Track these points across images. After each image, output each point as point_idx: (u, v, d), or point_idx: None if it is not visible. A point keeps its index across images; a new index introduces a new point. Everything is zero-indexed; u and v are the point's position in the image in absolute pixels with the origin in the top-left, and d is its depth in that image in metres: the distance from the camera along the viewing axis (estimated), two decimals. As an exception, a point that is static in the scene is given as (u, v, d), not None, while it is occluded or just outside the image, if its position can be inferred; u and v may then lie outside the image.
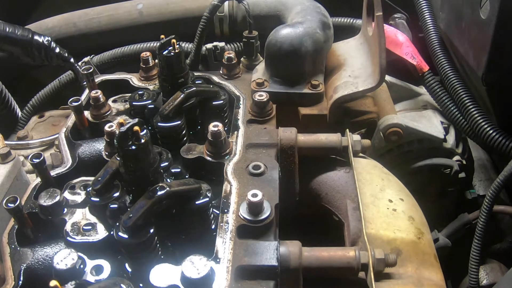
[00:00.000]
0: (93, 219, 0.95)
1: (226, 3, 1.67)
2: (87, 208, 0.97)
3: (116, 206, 0.92)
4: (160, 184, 0.87)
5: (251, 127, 1.16)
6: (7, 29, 1.58)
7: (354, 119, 1.48)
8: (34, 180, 1.06)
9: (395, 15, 1.78)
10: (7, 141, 1.45)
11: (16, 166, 1.21)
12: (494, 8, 1.16)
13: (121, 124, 0.88)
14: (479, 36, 1.25)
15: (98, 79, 1.35)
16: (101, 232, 0.92)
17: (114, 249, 0.90)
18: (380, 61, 1.21)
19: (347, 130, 1.13)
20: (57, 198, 0.95)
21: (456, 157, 1.57)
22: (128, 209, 0.87)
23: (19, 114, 1.83)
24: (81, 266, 0.85)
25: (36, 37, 1.61)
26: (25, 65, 1.71)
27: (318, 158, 1.16)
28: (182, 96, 1.11)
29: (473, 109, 1.40)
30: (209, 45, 1.70)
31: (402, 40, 1.58)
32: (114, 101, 1.28)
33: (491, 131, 1.36)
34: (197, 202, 0.92)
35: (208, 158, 1.06)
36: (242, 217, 0.92)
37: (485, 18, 1.20)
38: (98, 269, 0.86)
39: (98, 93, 1.22)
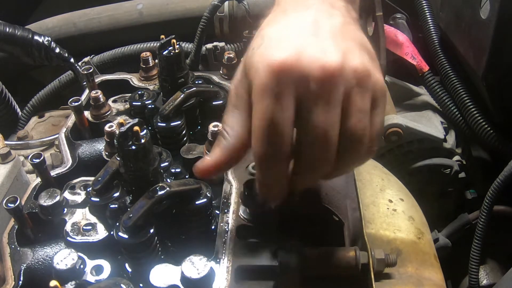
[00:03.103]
0: (93, 219, 0.95)
1: (226, 3, 1.67)
2: (87, 208, 0.97)
3: (116, 206, 0.92)
4: (160, 184, 0.87)
5: (251, 127, 1.16)
6: (7, 29, 1.58)
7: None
8: (34, 180, 1.06)
9: (395, 15, 1.78)
10: (7, 141, 1.45)
11: (16, 166, 1.21)
12: (494, 8, 1.16)
13: (121, 124, 0.88)
14: (479, 36, 1.25)
15: (98, 79, 1.35)
16: (101, 232, 0.92)
17: (114, 249, 0.90)
18: (380, 61, 1.21)
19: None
20: (57, 198, 0.95)
21: (456, 157, 1.57)
22: (128, 209, 0.87)
23: (19, 114, 1.83)
24: (81, 266, 0.85)
25: (36, 37, 1.61)
26: (25, 65, 1.70)
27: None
28: (182, 96, 1.11)
29: (473, 109, 1.40)
30: (209, 45, 1.70)
31: (402, 40, 1.58)
32: (114, 101, 1.28)
33: (491, 131, 1.36)
34: (197, 202, 0.92)
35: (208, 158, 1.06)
36: (242, 217, 0.92)
37: (485, 18, 1.20)
38: (98, 269, 0.86)
39: (98, 93, 1.21)
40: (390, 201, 1.08)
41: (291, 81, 0.70)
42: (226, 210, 0.94)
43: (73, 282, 0.82)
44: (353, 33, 0.78)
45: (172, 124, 1.10)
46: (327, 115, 0.70)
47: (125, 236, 0.85)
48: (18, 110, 1.84)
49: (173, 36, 1.13)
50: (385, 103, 0.78)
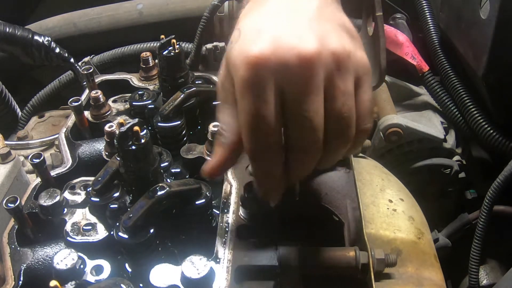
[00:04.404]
0: (93, 219, 0.95)
1: (226, 3, 1.67)
2: (87, 208, 0.97)
3: (116, 206, 0.92)
4: (160, 184, 0.87)
5: (251, 127, 1.16)
6: (7, 29, 1.58)
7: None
8: (34, 180, 1.06)
9: (395, 15, 1.78)
10: (7, 141, 1.45)
11: (16, 166, 1.21)
12: (494, 8, 1.16)
13: (121, 124, 0.88)
14: (479, 36, 1.25)
15: (98, 79, 1.35)
16: (101, 232, 0.92)
17: (114, 249, 0.90)
18: (380, 61, 1.21)
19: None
20: (57, 198, 0.95)
21: (456, 157, 1.57)
22: (128, 209, 0.87)
23: (19, 114, 1.83)
24: (81, 266, 0.85)
25: (36, 37, 1.61)
26: (25, 65, 1.71)
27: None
28: (182, 96, 1.11)
29: (473, 109, 1.40)
30: (209, 45, 1.70)
31: (402, 40, 1.58)
32: (114, 101, 1.28)
33: (491, 131, 1.36)
34: (197, 202, 0.92)
35: (208, 158, 1.06)
36: (242, 217, 0.92)
37: (485, 18, 1.20)
38: (98, 269, 0.86)
39: (98, 93, 1.21)
40: (390, 201, 1.08)
41: (270, 73, 0.70)
42: (226, 210, 0.94)
43: (73, 282, 0.82)
44: (331, 14, 0.77)
45: (172, 124, 1.10)
46: (309, 102, 0.70)
47: (125, 236, 0.85)
48: (18, 110, 1.84)
49: (173, 36, 1.13)
50: (370, 80, 0.77)
